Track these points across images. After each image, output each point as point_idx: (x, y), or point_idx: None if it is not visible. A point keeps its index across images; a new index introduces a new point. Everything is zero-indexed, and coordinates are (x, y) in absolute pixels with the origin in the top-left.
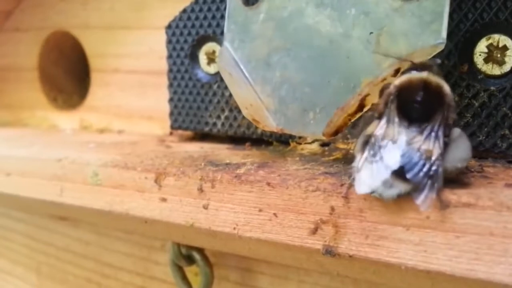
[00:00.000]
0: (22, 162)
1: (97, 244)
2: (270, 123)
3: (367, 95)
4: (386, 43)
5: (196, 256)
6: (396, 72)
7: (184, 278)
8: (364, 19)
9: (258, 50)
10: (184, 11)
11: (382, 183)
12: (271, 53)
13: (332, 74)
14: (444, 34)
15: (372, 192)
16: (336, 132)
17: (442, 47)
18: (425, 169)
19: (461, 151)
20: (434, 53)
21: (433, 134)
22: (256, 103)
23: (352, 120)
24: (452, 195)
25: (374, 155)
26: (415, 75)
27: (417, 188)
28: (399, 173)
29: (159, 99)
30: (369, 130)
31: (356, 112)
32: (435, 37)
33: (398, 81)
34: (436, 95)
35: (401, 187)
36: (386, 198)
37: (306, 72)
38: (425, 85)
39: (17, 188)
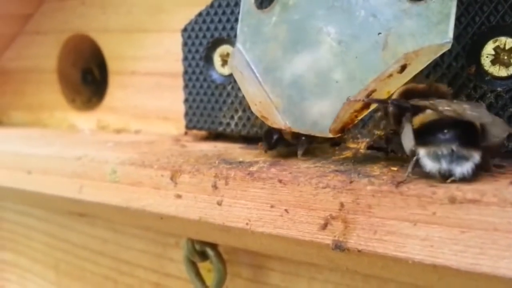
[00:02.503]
0: (42, 160)
1: (114, 242)
2: (278, 121)
3: (374, 90)
4: (393, 43)
5: (210, 252)
6: (403, 69)
7: (198, 274)
8: (373, 21)
9: (269, 51)
10: (200, 14)
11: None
12: (282, 55)
13: (341, 74)
14: (450, 34)
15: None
16: (342, 129)
17: (448, 46)
18: None
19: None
20: (441, 52)
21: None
22: (265, 101)
23: (359, 118)
24: (458, 192)
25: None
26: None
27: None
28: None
29: (174, 100)
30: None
31: (362, 108)
32: (442, 37)
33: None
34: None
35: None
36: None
37: (315, 73)
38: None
39: (38, 186)
